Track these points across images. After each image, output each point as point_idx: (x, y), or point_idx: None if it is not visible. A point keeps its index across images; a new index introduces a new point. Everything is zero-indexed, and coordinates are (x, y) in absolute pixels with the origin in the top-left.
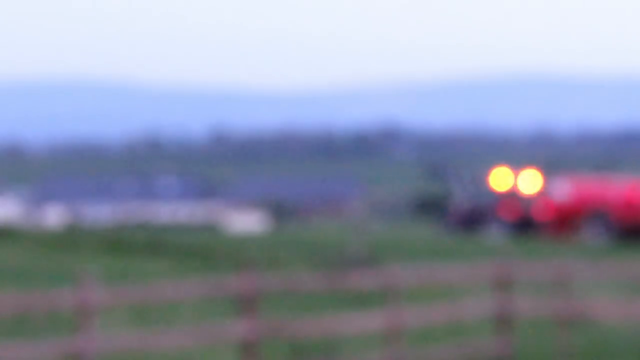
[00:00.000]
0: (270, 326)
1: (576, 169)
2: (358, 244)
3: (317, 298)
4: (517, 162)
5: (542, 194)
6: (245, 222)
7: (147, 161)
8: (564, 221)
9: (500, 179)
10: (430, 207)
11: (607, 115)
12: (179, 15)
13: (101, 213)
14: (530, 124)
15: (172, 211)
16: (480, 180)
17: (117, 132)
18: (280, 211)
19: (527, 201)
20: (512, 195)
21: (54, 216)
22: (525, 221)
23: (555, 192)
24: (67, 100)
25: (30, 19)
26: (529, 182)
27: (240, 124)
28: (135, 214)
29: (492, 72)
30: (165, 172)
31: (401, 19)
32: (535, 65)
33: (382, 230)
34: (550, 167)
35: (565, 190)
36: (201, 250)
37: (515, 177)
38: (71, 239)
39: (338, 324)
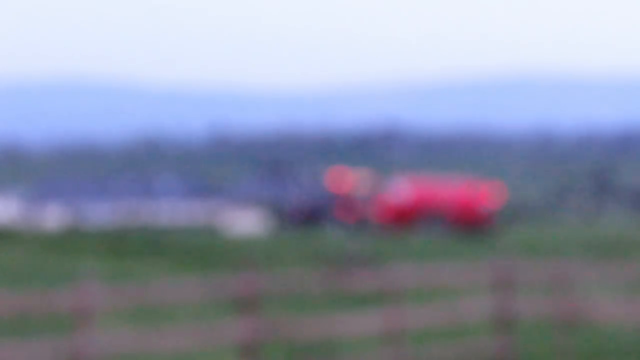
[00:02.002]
0: (270, 326)
1: (422, 169)
2: (358, 244)
3: (317, 298)
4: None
5: (379, 194)
6: (245, 222)
7: (147, 161)
8: (402, 221)
9: (338, 179)
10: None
11: (607, 115)
12: (179, 16)
13: (101, 212)
14: (530, 124)
15: (171, 211)
16: (319, 180)
17: (116, 131)
18: (279, 211)
19: (364, 201)
20: (350, 195)
21: (53, 216)
22: (362, 220)
23: (392, 192)
24: (67, 100)
25: (30, 19)
26: (365, 182)
27: (240, 124)
28: (134, 213)
29: (492, 72)
30: (164, 172)
31: (401, 19)
32: (536, 65)
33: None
34: (388, 168)
35: (402, 190)
36: (201, 250)
37: (353, 178)
38: (71, 240)
39: (338, 324)
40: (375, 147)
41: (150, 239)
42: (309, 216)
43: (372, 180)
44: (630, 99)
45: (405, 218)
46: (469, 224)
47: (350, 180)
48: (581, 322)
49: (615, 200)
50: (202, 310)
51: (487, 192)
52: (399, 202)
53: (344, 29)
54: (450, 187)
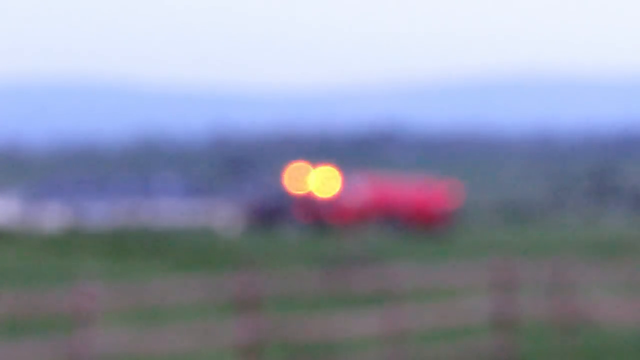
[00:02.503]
0: (270, 326)
1: (376, 169)
2: (358, 244)
3: (317, 298)
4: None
5: (337, 193)
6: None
7: (147, 161)
8: (358, 219)
9: (296, 177)
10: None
11: (608, 115)
12: (178, 16)
13: (100, 213)
14: (530, 123)
15: (170, 211)
16: (277, 178)
17: (116, 131)
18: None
19: (321, 199)
20: (308, 194)
21: (53, 216)
22: (320, 219)
23: (349, 191)
24: (67, 100)
25: (29, 19)
26: (324, 180)
27: (240, 124)
28: (134, 213)
29: (492, 72)
30: (164, 172)
31: (401, 20)
32: (536, 65)
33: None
34: (345, 166)
35: (359, 189)
36: (200, 250)
37: (311, 176)
38: (70, 240)
39: (338, 324)
40: (375, 147)
41: (150, 239)
42: (268, 215)
43: (331, 179)
44: (631, 99)
45: (362, 218)
46: (425, 224)
47: (309, 179)
48: (581, 322)
49: (615, 201)
50: (201, 310)
51: (443, 192)
52: (356, 201)
53: (343, 29)
54: (407, 187)
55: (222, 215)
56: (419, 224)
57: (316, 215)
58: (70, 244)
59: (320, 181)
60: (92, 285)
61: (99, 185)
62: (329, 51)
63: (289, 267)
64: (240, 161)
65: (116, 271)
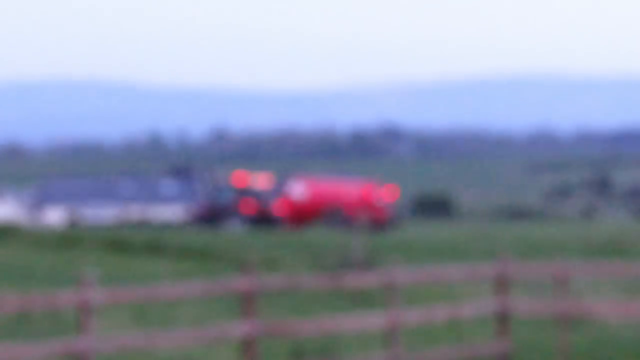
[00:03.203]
0: (270, 326)
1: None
2: (358, 244)
3: (317, 298)
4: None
5: (279, 192)
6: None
7: (148, 161)
8: (301, 217)
9: (240, 179)
10: (428, 207)
11: (607, 116)
12: (179, 17)
13: (101, 213)
14: (530, 124)
15: (172, 211)
16: (221, 179)
17: (117, 132)
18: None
19: (265, 199)
20: (251, 193)
21: (54, 217)
22: (263, 216)
23: (292, 191)
24: (67, 100)
25: (30, 19)
26: (266, 182)
27: (240, 124)
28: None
29: (492, 72)
30: (165, 173)
31: (401, 20)
32: (535, 66)
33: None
34: (289, 168)
35: (301, 189)
36: (201, 250)
37: (253, 178)
38: (71, 239)
39: (338, 324)
40: (374, 147)
41: (151, 238)
42: (214, 214)
43: (274, 180)
44: (631, 99)
45: (303, 214)
46: (367, 221)
47: (253, 180)
48: (580, 322)
49: (613, 200)
50: (202, 309)
51: (382, 193)
52: (297, 200)
53: (343, 30)
54: (349, 187)
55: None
56: (360, 221)
57: (261, 210)
58: (71, 243)
59: (262, 182)
60: (93, 284)
61: (101, 187)
62: (329, 52)
63: (290, 267)
64: (183, 166)
65: (117, 270)
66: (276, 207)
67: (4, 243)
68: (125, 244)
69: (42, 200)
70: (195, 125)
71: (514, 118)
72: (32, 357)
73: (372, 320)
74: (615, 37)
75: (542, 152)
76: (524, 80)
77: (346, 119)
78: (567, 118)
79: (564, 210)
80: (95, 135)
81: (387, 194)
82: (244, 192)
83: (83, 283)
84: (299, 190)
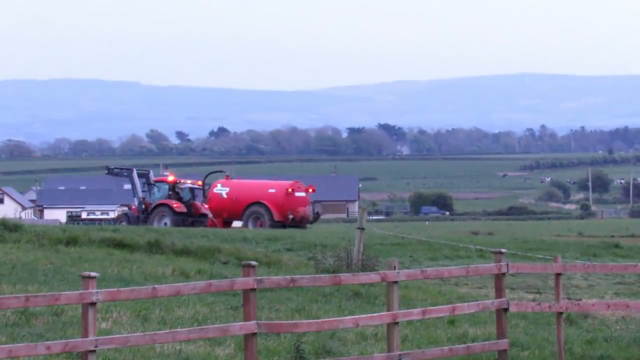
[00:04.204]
0: (270, 326)
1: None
2: (358, 243)
3: (318, 297)
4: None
5: (205, 191)
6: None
7: (148, 161)
8: (225, 213)
9: (168, 179)
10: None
11: (607, 116)
12: (179, 19)
13: (101, 213)
14: (529, 124)
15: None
16: (151, 180)
17: (117, 132)
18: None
19: (193, 197)
20: (178, 193)
21: (55, 216)
22: (190, 214)
23: (218, 190)
24: (68, 100)
25: (32, 19)
26: (194, 181)
27: (240, 123)
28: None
29: (491, 73)
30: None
31: (400, 21)
32: (535, 66)
33: (381, 229)
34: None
35: (225, 189)
36: (201, 249)
37: (180, 179)
38: (72, 239)
39: (338, 323)
40: (374, 147)
41: (151, 238)
42: (149, 213)
43: (202, 180)
44: (630, 99)
45: (227, 212)
46: (285, 219)
47: (182, 180)
48: (579, 320)
49: (609, 197)
50: (202, 309)
51: (301, 193)
52: (222, 199)
53: (343, 31)
54: (268, 187)
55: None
56: (285, 217)
57: (187, 208)
58: (71, 242)
59: (191, 182)
60: (93, 283)
61: (101, 187)
62: (329, 52)
63: (290, 266)
64: (117, 166)
65: (118, 269)
66: (203, 206)
67: (6, 243)
68: (126, 244)
69: (42, 199)
70: (196, 125)
71: (514, 118)
72: (32, 357)
73: (372, 320)
74: (615, 37)
75: (539, 151)
76: (523, 80)
77: (346, 118)
78: (566, 118)
79: (561, 208)
80: (96, 136)
81: (307, 193)
82: (174, 191)
83: (83, 283)
84: (223, 189)
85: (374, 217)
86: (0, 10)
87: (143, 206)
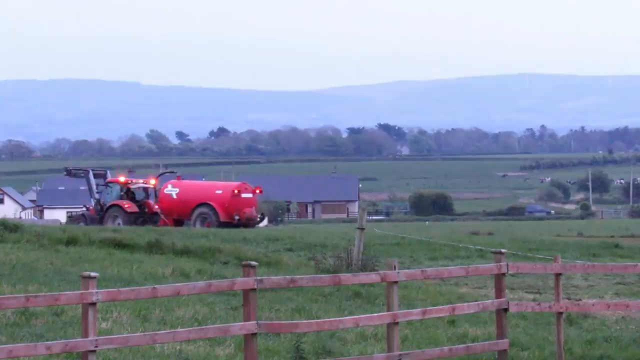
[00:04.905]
0: (270, 326)
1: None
2: (358, 243)
3: (318, 297)
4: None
5: (157, 192)
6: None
7: (148, 161)
8: (175, 213)
9: (119, 180)
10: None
11: (607, 116)
12: (179, 19)
13: None
14: (529, 124)
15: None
16: (105, 181)
17: (117, 132)
18: (280, 210)
19: (145, 198)
20: (134, 193)
21: (55, 216)
22: (144, 213)
23: (168, 191)
24: (68, 100)
25: (32, 19)
26: (146, 183)
27: (240, 123)
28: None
29: (491, 73)
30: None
31: (400, 21)
32: (535, 66)
33: (381, 229)
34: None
35: (175, 189)
36: (201, 249)
37: (131, 179)
38: (72, 239)
39: (338, 323)
40: (375, 146)
41: (151, 238)
42: (101, 212)
43: (154, 182)
44: (630, 99)
45: (177, 211)
46: (231, 220)
47: (134, 180)
48: (579, 320)
49: (609, 197)
50: (202, 309)
51: (247, 194)
52: (171, 199)
53: (344, 32)
54: (220, 187)
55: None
56: (231, 216)
57: (140, 207)
58: (71, 242)
59: (144, 182)
60: (93, 283)
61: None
62: (330, 53)
63: (290, 266)
64: (74, 168)
65: (118, 269)
66: (155, 205)
67: (6, 242)
68: (126, 244)
69: (42, 199)
70: (196, 125)
71: (514, 118)
72: (32, 357)
73: (372, 320)
74: (615, 38)
75: (539, 152)
76: (523, 80)
77: (346, 118)
78: (566, 118)
79: (561, 208)
80: (96, 136)
81: (254, 194)
82: (127, 192)
83: (83, 282)
84: (173, 190)
85: (374, 217)
86: (0, 10)
87: (99, 207)
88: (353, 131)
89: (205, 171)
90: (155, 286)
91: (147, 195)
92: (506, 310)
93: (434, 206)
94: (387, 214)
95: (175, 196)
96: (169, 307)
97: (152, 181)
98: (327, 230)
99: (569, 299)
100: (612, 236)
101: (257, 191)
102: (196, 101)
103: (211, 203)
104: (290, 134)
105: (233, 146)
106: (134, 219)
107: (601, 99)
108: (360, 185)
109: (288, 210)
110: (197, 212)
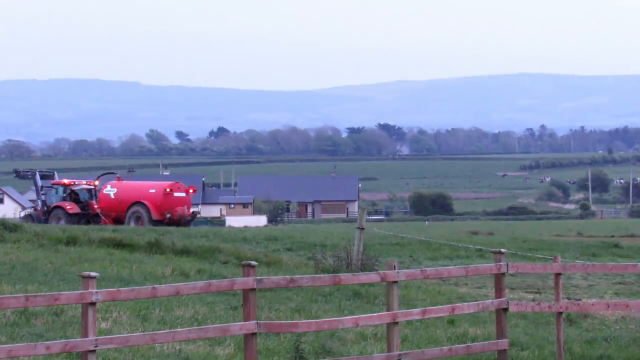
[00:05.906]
0: (270, 326)
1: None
2: (358, 243)
3: (318, 297)
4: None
5: (97, 192)
6: (246, 220)
7: (148, 161)
8: (114, 213)
9: (63, 182)
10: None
11: (607, 116)
12: (179, 18)
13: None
14: (529, 124)
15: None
16: (51, 182)
17: (117, 132)
18: (280, 210)
19: (86, 198)
20: (78, 194)
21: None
22: (84, 213)
23: (107, 191)
24: (68, 100)
25: (32, 19)
26: (89, 184)
27: (240, 123)
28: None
29: (491, 73)
30: (166, 171)
31: (400, 21)
32: (535, 66)
33: (381, 229)
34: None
35: (114, 189)
36: (201, 249)
37: (74, 180)
38: (72, 239)
39: (338, 323)
40: (375, 146)
41: (152, 237)
42: (48, 211)
43: (94, 182)
44: (630, 99)
45: (115, 210)
46: (163, 219)
47: (77, 182)
48: (579, 320)
49: (609, 197)
50: (202, 308)
51: (180, 193)
52: (110, 199)
53: (344, 32)
54: (155, 187)
55: (234, 214)
56: (164, 215)
57: (82, 207)
58: (71, 242)
59: (85, 183)
60: (93, 283)
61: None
62: (330, 53)
63: (290, 266)
64: (23, 170)
65: (118, 269)
66: (94, 205)
67: (7, 242)
68: (126, 244)
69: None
70: (196, 124)
71: (513, 118)
72: (32, 357)
73: (372, 320)
74: (615, 38)
75: (539, 151)
76: (523, 80)
77: (346, 118)
78: (566, 118)
79: (561, 208)
80: (96, 135)
81: (187, 194)
82: (71, 193)
83: (83, 282)
84: (112, 190)
85: (374, 217)
86: (0, 10)
87: (45, 208)
88: (353, 131)
89: (205, 171)
90: (155, 286)
91: (92, 197)
92: (506, 310)
93: (434, 206)
94: (387, 214)
95: (113, 196)
96: (169, 307)
97: (97, 182)
98: (327, 230)
99: (569, 299)
100: (612, 236)
101: (191, 191)
102: (196, 101)
103: (145, 202)
104: (290, 134)
105: (233, 146)
106: (76, 220)
107: (601, 99)
108: (360, 185)
109: (288, 210)
110: (131, 211)
